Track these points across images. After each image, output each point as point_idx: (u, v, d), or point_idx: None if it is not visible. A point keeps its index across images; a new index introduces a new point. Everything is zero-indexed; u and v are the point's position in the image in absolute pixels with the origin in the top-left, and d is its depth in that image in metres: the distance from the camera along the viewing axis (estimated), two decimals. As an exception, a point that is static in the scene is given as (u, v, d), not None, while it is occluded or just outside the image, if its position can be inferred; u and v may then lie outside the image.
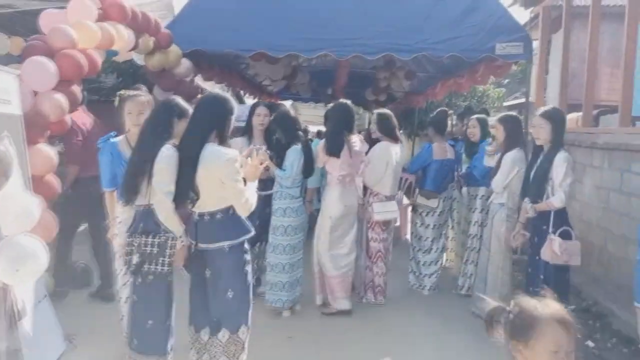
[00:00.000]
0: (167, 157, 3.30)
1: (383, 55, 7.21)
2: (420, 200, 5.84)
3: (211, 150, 3.32)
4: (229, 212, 3.43)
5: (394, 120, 5.46)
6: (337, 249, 5.20)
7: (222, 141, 3.45)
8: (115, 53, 6.06)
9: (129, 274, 3.50)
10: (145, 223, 3.39)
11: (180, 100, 3.67)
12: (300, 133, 5.14)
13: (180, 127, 3.47)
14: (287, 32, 6.84)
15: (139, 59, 6.27)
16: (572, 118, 7.96)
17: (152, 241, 3.34)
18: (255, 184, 3.54)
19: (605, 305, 5.98)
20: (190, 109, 3.56)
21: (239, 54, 7.12)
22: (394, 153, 5.38)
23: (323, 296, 5.35)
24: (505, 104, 16.64)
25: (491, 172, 5.26)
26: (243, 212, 3.43)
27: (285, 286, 5.09)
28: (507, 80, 20.82)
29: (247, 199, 3.36)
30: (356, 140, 5.11)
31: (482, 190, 5.77)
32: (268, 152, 5.08)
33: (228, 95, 3.54)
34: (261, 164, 3.50)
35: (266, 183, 5.19)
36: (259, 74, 8.49)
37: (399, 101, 13.22)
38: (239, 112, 6.89)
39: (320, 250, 5.24)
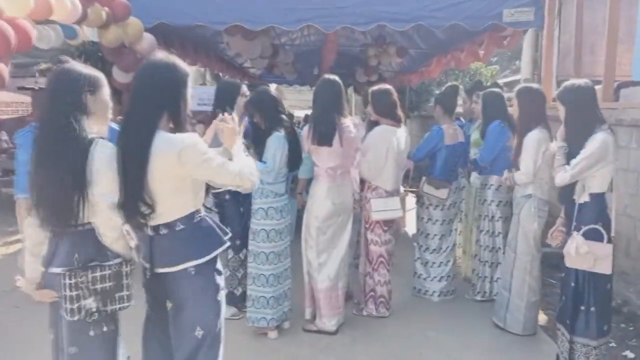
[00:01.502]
0: (106, 158, 2.29)
1: (376, 27, 6.20)
2: (428, 189, 4.84)
3: (161, 140, 2.33)
4: (194, 220, 2.45)
5: (394, 97, 4.44)
6: (327, 256, 4.25)
7: (178, 127, 2.44)
8: (74, 33, 5.05)
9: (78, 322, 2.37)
10: (82, 251, 2.33)
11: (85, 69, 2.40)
12: (284, 117, 4.12)
13: (97, 105, 2.41)
14: (264, 2, 5.85)
15: (93, 34, 5.21)
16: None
17: (101, 275, 2.34)
18: (240, 146, 2.65)
19: (637, 304, 5.11)
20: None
21: (210, 27, 6.05)
22: (395, 138, 4.39)
23: (313, 310, 4.39)
24: (499, 81, 15.70)
25: (512, 157, 4.30)
26: (247, 186, 2.54)
27: (269, 302, 4.11)
28: (495, 58, 19.83)
29: (240, 171, 2.46)
30: (349, 125, 4.12)
31: (493, 179, 4.81)
32: (243, 141, 4.11)
33: (176, 59, 2.49)
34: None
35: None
36: (240, 54, 7.41)
37: (389, 81, 12.21)
38: (203, 95, 5.95)
39: (309, 256, 4.27)
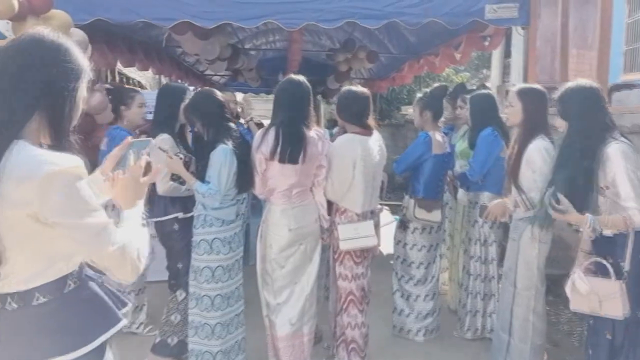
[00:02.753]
0: None
1: (344, 25, 5.38)
2: (420, 214, 3.94)
3: (19, 156, 1.42)
4: (64, 290, 1.53)
5: (364, 101, 3.55)
6: (287, 294, 3.37)
7: (57, 141, 1.53)
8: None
9: None
10: None
11: None
12: (232, 125, 3.22)
13: None
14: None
15: (5, 29, 4.23)
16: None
17: None
18: (139, 210, 1.67)
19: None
20: None
21: (155, 24, 5.13)
22: (364, 149, 3.48)
23: (277, 362, 3.46)
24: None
25: (508, 171, 3.49)
26: (126, 275, 1.54)
27: (216, 357, 3.19)
28: (462, 67, 19.27)
29: (124, 247, 1.50)
30: (314, 136, 3.27)
31: (485, 197, 3.99)
32: (181, 155, 3.21)
33: (60, 35, 1.58)
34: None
35: (186, 202, 3.32)
36: (197, 55, 6.46)
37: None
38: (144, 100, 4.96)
39: (266, 296, 3.38)
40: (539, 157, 3.21)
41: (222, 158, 3.05)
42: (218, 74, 10.55)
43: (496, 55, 14.04)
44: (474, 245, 4.14)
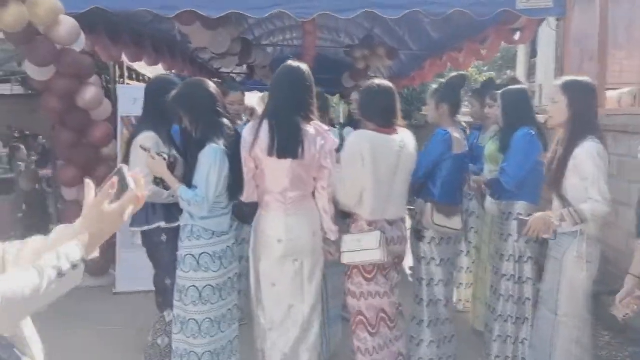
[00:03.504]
0: None
1: (362, 15, 4.88)
2: (440, 220, 3.38)
3: None
4: None
5: (387, 95, 3.01)
6: (280, 319, 2.85)
7: None
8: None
9: None
10: None
11: None
12: (225, 121, 2.74)
13: None
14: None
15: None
16: (611, 97, 5.68)
17: None
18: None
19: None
20: None
21: (157, 13, 4.67)
22: (373, 146, 2.89)
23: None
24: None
25: (548, 179, 2.94)
26: None
27: (205, 392, 2.70)
28: (485, 67, 18.55)
29: None
30: (312, 131, 2.76)
31: (519, 207, 3.43)
32: (165, 155, 2.73)
33: None
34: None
35: (170, 210, 2.84)
36: (206, 48, 5.98)
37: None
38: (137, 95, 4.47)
39: (260, 319, 2.87)
40: (590, 162, 2.66)
41: (211, 159, 2.55)
42: (234, 71, 10.10)
43: (521, 54, 13.37)
44: (505, 262, 3.57)
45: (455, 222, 3.35)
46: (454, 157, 3.36)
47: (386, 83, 3.12)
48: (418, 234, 3.46)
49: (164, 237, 2.90)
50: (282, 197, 2.71)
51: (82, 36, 4.42)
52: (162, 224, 2.88)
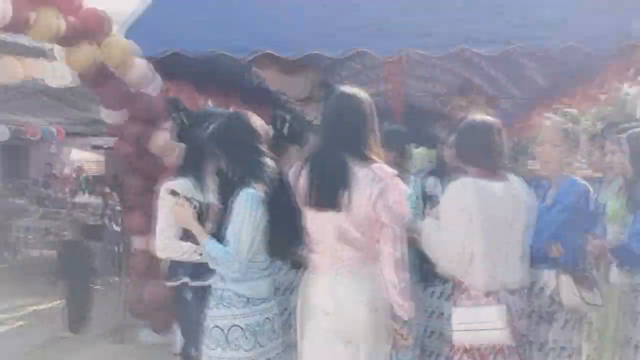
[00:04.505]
0: None
1: (457, 53, 4.28)
2: (588, 295, 2.54)
3: None
4: None
5: (488, 131, 2.40)
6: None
7: None
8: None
9: None
10: None
11: None
12: (267, 162, 2.23)
13: None
14: (305, 24, 4.21)
15: (59, 55, 3.73)
16: None
17: None
18: None
19: None
20: None
21: (231, 55, 4.39)
22: (482, 198, 2.27)
23: None
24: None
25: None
26: None
27: None
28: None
29: None
30: (367, 173, 2.12)
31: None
32: (195, 202, 2.27)
33: None
34: None
35: (198, 264, 2.36)
36: (285, 94, 5.66)
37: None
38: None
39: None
40: None
41: (244, 207, 2.07)
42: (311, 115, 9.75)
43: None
44: (633, 351, 2.70)
45: (596, 297, 2.59)
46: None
47: (489, 118, 2.49)
48: (549, 317, 2.68)
49: (189, 296, 2.42)
50: (331, 258, 2.12)
51: (158, 80, 4.23)
52: (186, 280, 2.40)
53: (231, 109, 6.86)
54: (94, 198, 9.59)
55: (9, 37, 5.11)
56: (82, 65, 3.59)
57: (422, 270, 2.86)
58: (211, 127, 2.21)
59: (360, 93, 2.20)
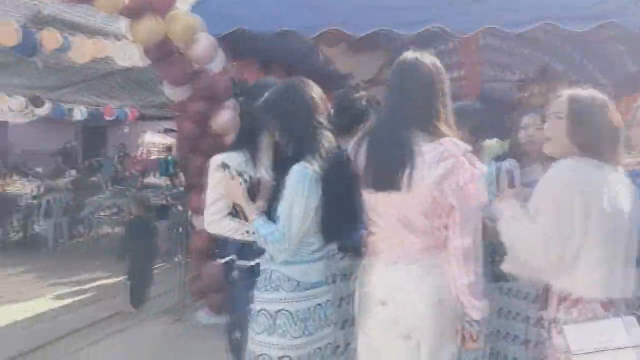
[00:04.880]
0: None
1: (539, 29, 3.92)
2: None
3: None
4: None
5: (607, 112, 1.91)
6: None
7: None
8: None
9: None
10: None
11: None
12: (326, 135, 2.01)
13: None
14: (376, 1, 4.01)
15: (126, 29, 3.71)
16: None
17: None
18: None
19: None
20: None
21: (299, 33, 4.22)
22: (600, 184, 1.81)
23: None
24: None
25: None
26: None
27: None
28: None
29: None
30: (436, 148, 1.84)
31: None
32: (246, 177, 2.11)
33: None
34: None
35: (245, 243, 2.19)
36: (352, 75, 5.40)
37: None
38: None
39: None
40: None
41: (297, 185, 1.87)
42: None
43: None
44: None
45: None
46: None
47: (601, 95, 2.07)
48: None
49: (235, 274, 2.28)
50: (391, 244, 1.89)
51: (222, 57, 4.13)
52: (233, 258, 2.26)
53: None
54: (164, 179, 9.83)
55: (80, 17, 5.23)
56: (146, 39, 3.55)
57: (492, 263, 2.56)
58: (265, 95, 2.05)
59: (428, 57, 1.94)
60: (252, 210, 1.98)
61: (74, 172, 11.27)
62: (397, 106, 1.91)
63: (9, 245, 7.99)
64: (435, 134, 1.85)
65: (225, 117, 4.22)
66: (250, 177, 2.08)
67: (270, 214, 1.94)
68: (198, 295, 4.50)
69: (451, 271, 1.85)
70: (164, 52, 3.79)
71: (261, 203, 2.03)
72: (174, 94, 4.04)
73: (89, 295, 5.59)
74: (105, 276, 6.19)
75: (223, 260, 2.35)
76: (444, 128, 1.86)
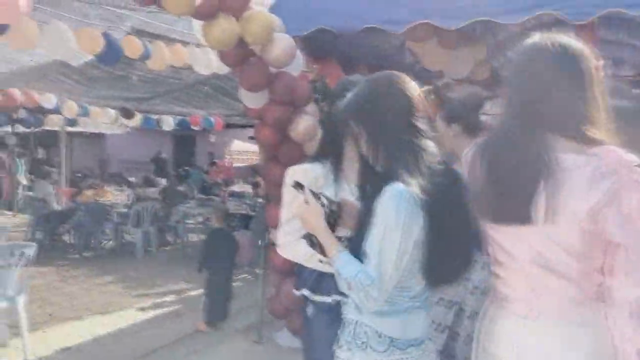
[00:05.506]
0: None
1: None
2: None
3: None
4: None
5: None
6: None
7: None
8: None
9: None
10: None
11: None
12: (427, 145, 1.51)
13: None
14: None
15: (198, 30, 3.44)
16: None
17: None
18: None
19: None
20: None
21: (384, 29, 3.77)
22: None
23: None
24: None
25: None
26: None
27: None
28: None
29: None
30: (589, 161, 1.30)
31: None
32: (324, 199, 1.65)
33: None
34: None
35: (321, 276, 1.76)
36: (443, 73, 4.83)
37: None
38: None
39: None
40: None
41: (391, 212, 1.39)
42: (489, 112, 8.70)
43: None
44: None
45: None
46: None
47: None
48: None
49: (310, 311, 1.86)
50: (523, 289, 1.40)
51: (300, 58, 3.77)
52: (305, 293, 1.86)
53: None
54: (249, 187, 9.74)
55: (162, 26, 5.11)
56: (220, 42, 3.25)
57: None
58: (348, 95, 1.62)
59: (573, 42, 1.41)
60: (331, 243, 1.52)
61: (164, 181, 11.51)
62: (525, 105, 1.39)
63: (102, 253, 8.17)
64: (583, 142, 1.34)
65: (305, 124, 3.86)
66: (329, 200, 1.62)
67: (354, 246, 1.49)
68: (277, 315, 4.17)
69: (613, 332, 1.32)
70: (240, 56, 3.48)
71: (343, 232, 1.60)
72: (250, 99, 3.73)
73: (172, 308, 5.46)
74: (189, 287, 6.07)
75: (298, 293, 1.95)
76: (596, 134, 1.33)
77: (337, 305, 1.79)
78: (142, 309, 5.39)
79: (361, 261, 1.44)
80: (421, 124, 1.52)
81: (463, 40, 4.05)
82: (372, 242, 1.42)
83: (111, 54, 4.56)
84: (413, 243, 1.43)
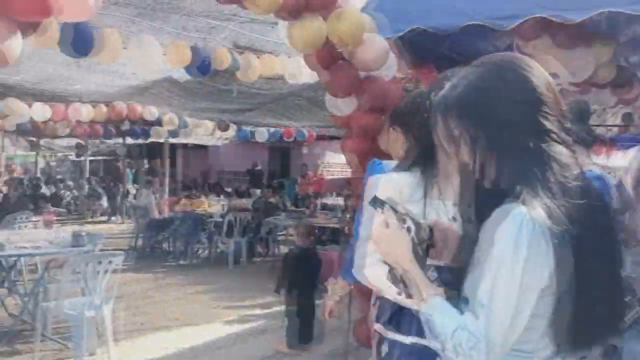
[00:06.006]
0: None
1: None
2: None
3: None
4: None
5: None
6: None
7: None
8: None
9: None
10: None
11: None
12: (555, 153, 1.05)
13: None
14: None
15: (284, 27, 3.22)
16: None
17: None
18: None
19: None
20: None
21: (490, 26, 3.31)
22: None
23: None
24: None
25: None
26: None
27: None
28: None
29: None
30: None
31: None
32: (410, 222, 1.23)
33: None
34: None
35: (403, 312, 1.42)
36: (557, 75, 4.20)
37: None
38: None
39: None
40: None
41: (509, 246, 0.98)
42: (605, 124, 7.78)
43: None
44: None
45: None
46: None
47: None
48: None
49: (384, 349, 1.48)
50: None
51: (392, 62, 3.42)
52: (379, 328, 1.49)
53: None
54: (341, 200, 9.48)
55: (255, 36, 5.00)
56: (306, 43, 2.99)
57: None
58: (446, 86, 1.18)
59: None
60: (420, 281, 1.12)
61: (258, 192, 11.59)
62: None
63: (197, 262, 8.28)
64: None
65: (395, 133, 3.48)
66: (417, 224, 1.18)
67: (448, 278, 1.09)
68: (363, 342, 3.80)
69: None
70: (327, 58, 3.20)
71: (437, 262, 1.20)
72: (337, 106, 3.44)
73: (256, 323, 5.27)
74: (276, 302, 5.87)
75: (376, 327, 1.59)
76: None
77: (420, 350, 1.42)
78: (228, 322, 5.26)
79: (460, 310, 1.05)
80: (551, 125, 1.09)
81: (582, 37, 3.48)
82: (479, 287, 1.01)
83: (200, 66, 4.52)
84: (539, 291, 1.01)
